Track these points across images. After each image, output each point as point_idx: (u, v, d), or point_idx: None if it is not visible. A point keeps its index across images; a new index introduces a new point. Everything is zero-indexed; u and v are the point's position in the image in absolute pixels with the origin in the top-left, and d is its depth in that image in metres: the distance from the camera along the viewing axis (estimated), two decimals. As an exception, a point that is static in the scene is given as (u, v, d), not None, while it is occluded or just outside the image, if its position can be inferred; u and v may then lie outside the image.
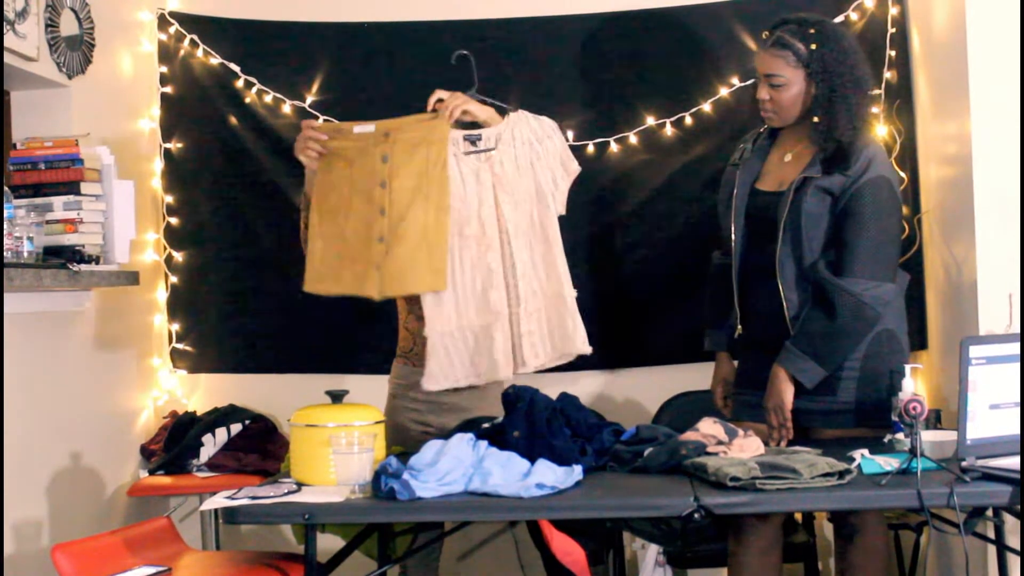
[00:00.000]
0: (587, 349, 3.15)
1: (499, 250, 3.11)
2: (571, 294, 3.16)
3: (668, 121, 3.95)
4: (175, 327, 4.15)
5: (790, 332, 2.96)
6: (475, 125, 3.19)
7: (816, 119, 2.97)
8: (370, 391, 3.35)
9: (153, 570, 2.70)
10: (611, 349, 4.03)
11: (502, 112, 3.22)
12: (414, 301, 3.21)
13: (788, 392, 2.94)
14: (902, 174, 3.70)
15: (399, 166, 3.06)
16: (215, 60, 4.09)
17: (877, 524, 3.01)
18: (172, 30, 4.11)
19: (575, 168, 3.22)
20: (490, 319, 3.08)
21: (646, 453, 2.70)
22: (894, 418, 2.79)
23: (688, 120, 3.94)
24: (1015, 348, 2.56)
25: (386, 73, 4.05)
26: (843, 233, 2.93)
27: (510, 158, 3.13)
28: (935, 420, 3.05)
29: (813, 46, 2.95)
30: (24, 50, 3.27)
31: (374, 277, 3.06)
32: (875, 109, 3.77)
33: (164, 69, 4.13)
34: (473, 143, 3.12)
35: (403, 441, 3.19)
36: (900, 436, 2.72)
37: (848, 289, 2.88)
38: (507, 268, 3.12)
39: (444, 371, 3.10)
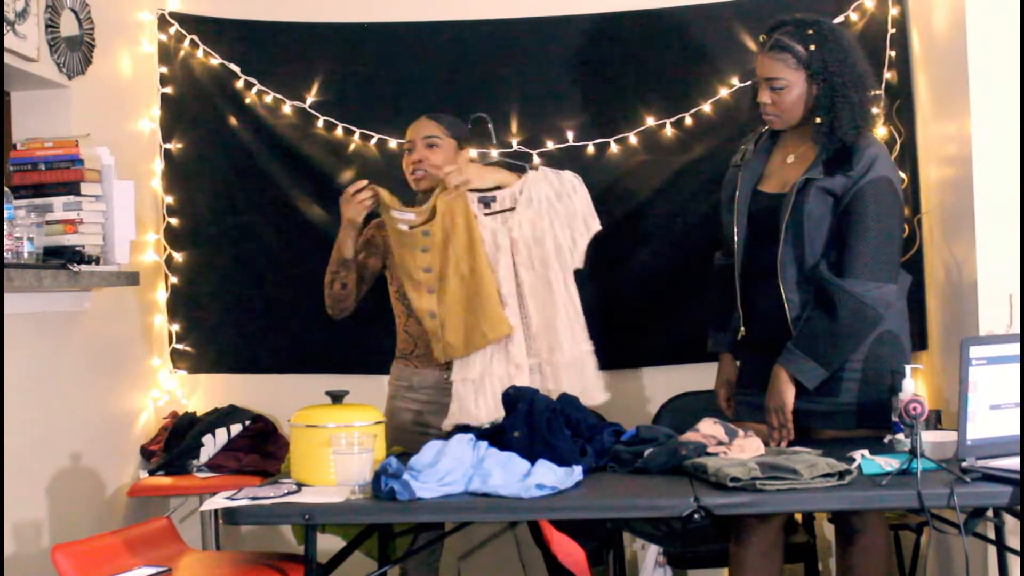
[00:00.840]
0: (603, 397, 3.22)
1: (516, 308, 3.17)
2: (588, 348, 3.20)
3: (668, 121, 3.95)
4: (175, 328, 4.15)
5: (792, 333, 2.96)
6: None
7: (818, 120, 2.96)
8: (370, 391, 3.35)
9: (153, 570, 2.70)
10: (612, 349, 4.02)
11: (521, 169, 3.24)
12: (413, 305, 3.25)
13: (789, 393, 2.94)
14: (902, 174, 3.70)
15: (436, 252, 3.20)
16: (215, 60, 4.09)
17: (878, 525, 3.00)
18: (172, 30, 4.11)
19: (596, 227, 3.26)
20: (511, 370, 3.15)
21: (646, 454, 2.70)
22: (894, 419, 2.79)
23: (688, 120, 3.94)
24: (1015, 349, 2.56)
25: (386, 73, 4.05)
26: (845, 234, 2.93)
27: (527, 219, 3.16)
28: (935, 421, 3.05)
29: (812, 47, 2.95)
30: (24, 51, 3.27)
31: (438, 347, 3.21)
32: (875, 109, 3.77)
33: (164, 69, 4.13)
34: (487, 204, 3.17)
35: (403, 442, 3.19)
36: (900, 437, 2.72)
37: (850, 290, 2.88)
38: (525, 324, 3.19)
39: (466, 412, 3.16)
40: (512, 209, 3.18)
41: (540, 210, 3.17)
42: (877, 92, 3.66)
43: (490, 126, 3.38)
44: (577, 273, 3.34)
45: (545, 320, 3.19)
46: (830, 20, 3.20)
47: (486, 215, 3.19)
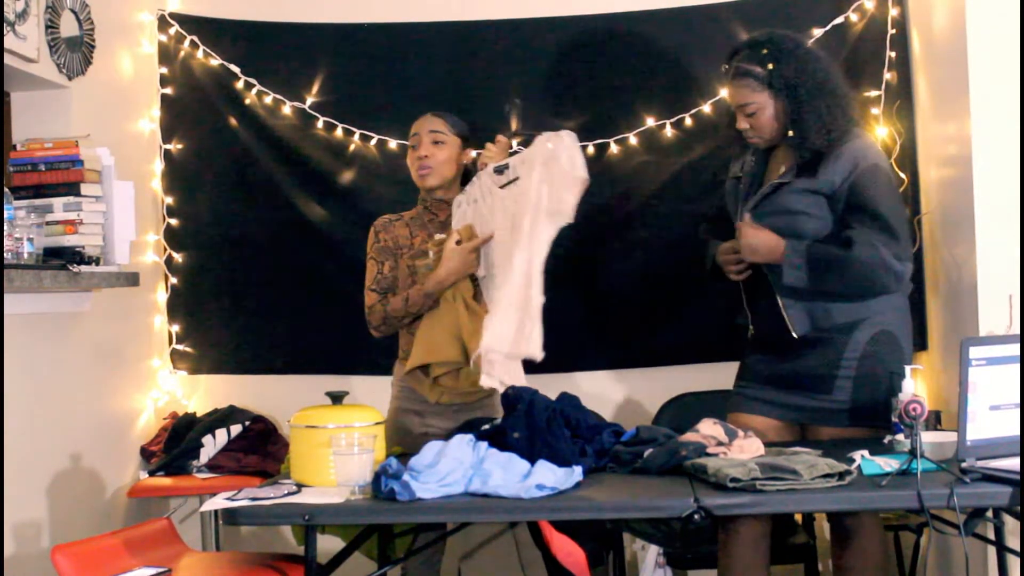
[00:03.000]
0: (538, 355, 3.07)
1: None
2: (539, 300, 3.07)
3: (668, 122, 3.95)
4: (175, 328, 4.16)
5: (792, 334, 2.98)
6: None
7: (791, 132, 2.99)
8: (371, 392, 3.36)
9: (153, 571, 2.70)
10: (611, 350, 4.03)
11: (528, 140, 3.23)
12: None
13: (767, 241, 2.95)
14: (902, 175, 3.70)
15: None
16: (215, 61, 4.09)
17: (873, 527, 3.00)
18: (172, 31, 4.11)
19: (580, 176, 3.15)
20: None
21: (646, 454, 2.70)
22: (894, 419, 2.79)
23: (688, 121, 3.94)
24: (1015, 349, 2.56)
25: (386, 74, 4.05)
26: (855, 224, 2.92)
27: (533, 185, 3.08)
28: (935, 421, 3.05)
29: (770, 65, 2.98)
30: (24, 51, 3.27)
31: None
32: (875, 110, 3.78)
33: (164, 70, 4.13)
34: (500, 172, 3.15)
35: (405, 443, 3.19)
36: (900, 437, 2.72)
37: (875, 244, 2.88)
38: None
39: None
40: (517, 179, 3.14)
41: (538, 172, 3.07)
42: (877, 93, 3.68)
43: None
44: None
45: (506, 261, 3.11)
46: (788, 31, 3.16)
47: (501, 188, 3.15)
